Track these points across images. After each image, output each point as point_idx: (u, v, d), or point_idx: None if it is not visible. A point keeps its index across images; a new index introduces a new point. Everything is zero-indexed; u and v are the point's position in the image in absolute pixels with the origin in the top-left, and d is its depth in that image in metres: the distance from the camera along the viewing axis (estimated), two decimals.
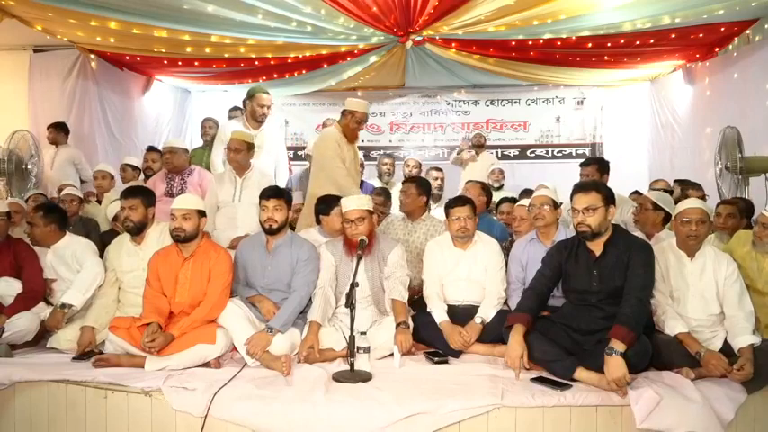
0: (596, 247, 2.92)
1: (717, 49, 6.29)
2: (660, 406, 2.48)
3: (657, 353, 2.82)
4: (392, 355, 3.08)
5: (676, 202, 3.64)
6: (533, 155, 8.67)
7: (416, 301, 3.63)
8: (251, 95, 4.73)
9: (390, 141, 8.89)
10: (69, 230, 3.82)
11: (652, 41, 6.13)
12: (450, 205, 3.54)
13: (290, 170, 5.70)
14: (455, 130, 8.63)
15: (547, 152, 8.67)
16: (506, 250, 3.71)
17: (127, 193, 3.51)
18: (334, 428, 2.50)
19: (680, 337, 2.86)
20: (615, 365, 2.56)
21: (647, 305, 2.89)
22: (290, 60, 6.91)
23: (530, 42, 6.27)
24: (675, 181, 5.50)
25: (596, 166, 4.42)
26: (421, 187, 4.14)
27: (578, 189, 2.94)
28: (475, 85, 8.57)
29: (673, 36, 5.96)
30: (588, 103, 8.54)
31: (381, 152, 7.67)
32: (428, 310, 3.41)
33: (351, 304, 2.85)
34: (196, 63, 6.96)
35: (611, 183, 3.78)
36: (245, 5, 5.07)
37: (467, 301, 3.46)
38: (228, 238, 3.97)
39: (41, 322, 3.46)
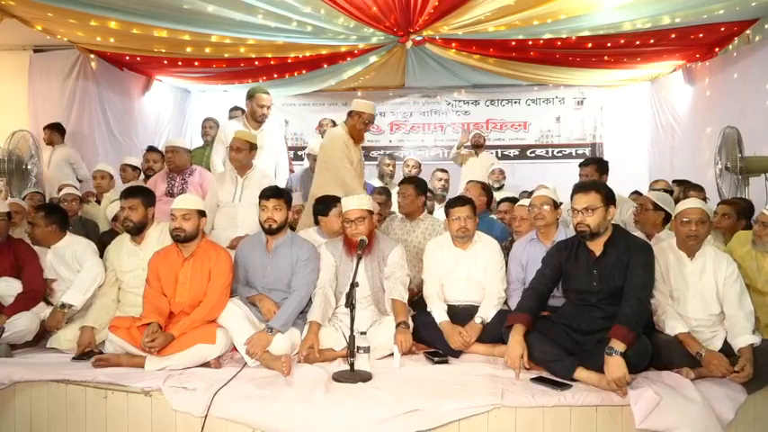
0: (596, 247, 2.92)
1: (717, 49, 6.29)
2: (660, 406, 2.47)
3: (657, 353, 2.82)
4: (392, 355, 3.08)
5: (675, 202, 3.64)
6: (533, 155, 8.67)
7: (416, 301, 3.63)
8: (251, 95, 4.73)
9: (390, 141, 8.89)
10: (69, 230, 3.82)
11: (652, 41, 6.13)
12: (450, 205, 3.54)
13: (291, 170, 5.70)
14: (455, 130, 8.62)
15: (547, 152, 8.66)
16: (506, 250, 3.71)
17: (127, 193, 3.51)
18: (334, 428, 2.50)
19: (680, 338, 2.86)
20: (615, 365, 2.56)
21: (647, 305, 2.89)
22: (290, 60, 6.91)
23: (530, 42, 6.27)
24: (674, 181, 5.50)
25: (595, 166, 4.43)
26: (419, 188, 4.15)
27: (578, 189, 2.95)
28: (475, 85, 8.57)
29: (673, 36, 5.96)
30: (588, 103, 8.54)
31: (382, 152, 7.66)
32: (428, 310, 3.41)
33: (351, 304, 2.85)
34: (196, 63, 6.95)
35: (611, 183, 3.78)
36: (245, 5, 5.07)
37: (467, 301, 3.46)
38: (228, 237, 3.97)
39: (41, 322, 3.46)
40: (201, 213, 3.26)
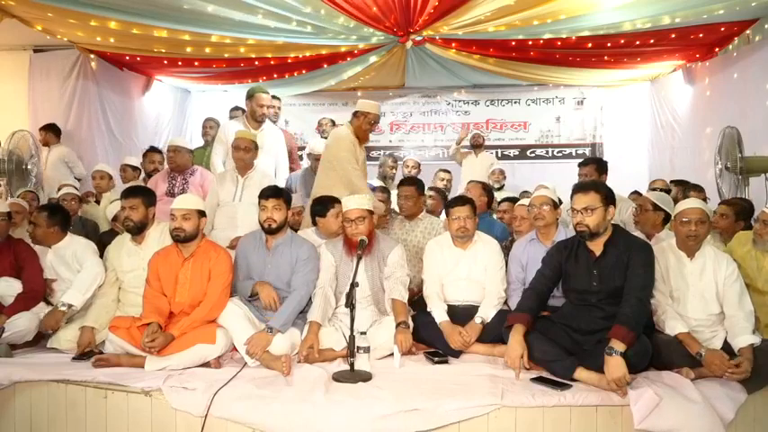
0: (596, 246, 2.92)
1: (717, 49, 6.29)
2: (660, 406, 2.47)
3: (657, 353, 2.82)
4: (392, 355, 3.08)
5: (674, 202, 3.64)
6: (533, 155, 8.67)
7: (416, 300, 3.63)
8: (250, 95, 4.73)
9: (390, 141, 8.89)
10: (69, 230, 3.83)
11: (652, 41, 6.13)
12: (450, 205, 3.54)
13: (292, 169, 5.69)
14: (455, 130, 8.61)
15: (547, 152, 8.67)
16: (506, 250, 3.71)
17: (127, 193, 3.51)
18: (334, 428, 2.50)
19: (680, 338, 2.86)
20: (615, 365, 2.56)
21: (647, 305, 2.89)
22: (290, 60, 6.91)
23: (530, 42, 6.27)
24: (672, 182, 5.49)
25: (594, 166, 4.43)
26: (420, 188, 4.16)
27: (578, 189, 2.95)
28: (475, 85, 8.57)
29: (673, 36, 5.96)
30: (588, 103, 8.54)
31: (382, 152, 7.67)
32: (428, 309, 3.41)
33: (351, 304, 2.85)
34: (196, 63, 6.95)
35: (611, 183, 3.78)
36: (245, 5, 5.07)
37: (467, 301, 3.46)
38: (228, 237, 3.97)
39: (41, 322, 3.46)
40: (201, 213, 3.26)
